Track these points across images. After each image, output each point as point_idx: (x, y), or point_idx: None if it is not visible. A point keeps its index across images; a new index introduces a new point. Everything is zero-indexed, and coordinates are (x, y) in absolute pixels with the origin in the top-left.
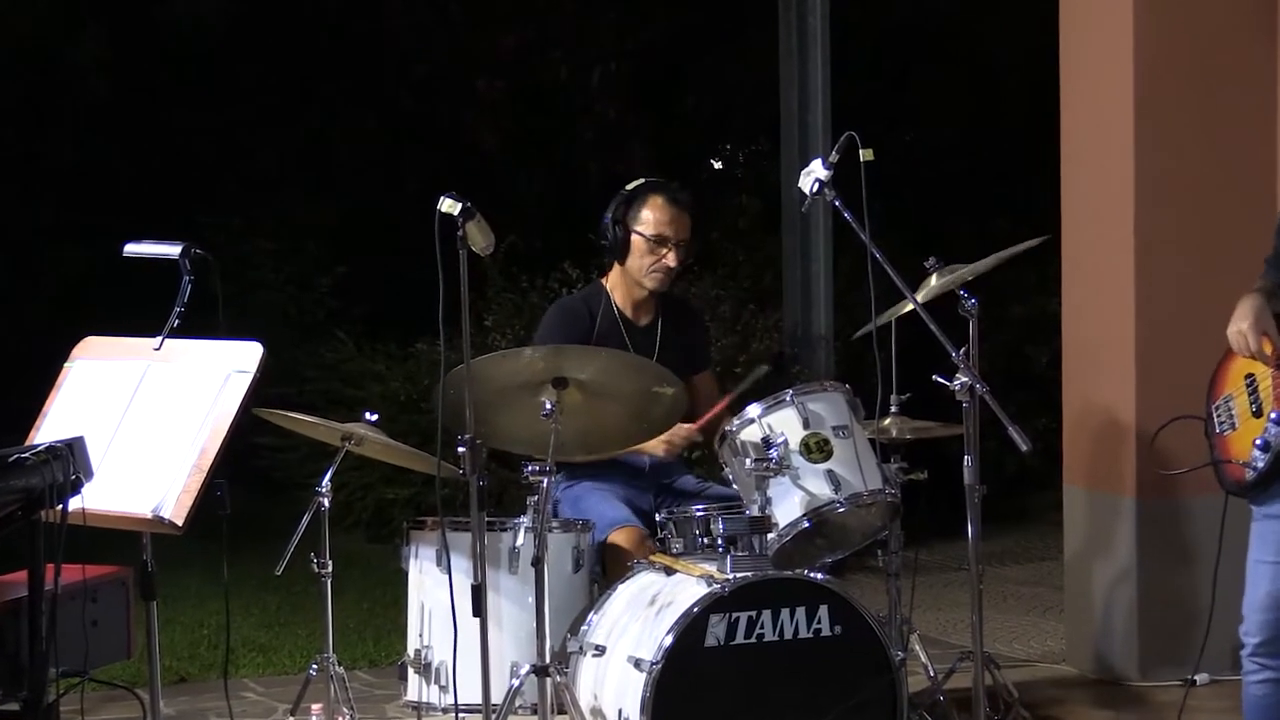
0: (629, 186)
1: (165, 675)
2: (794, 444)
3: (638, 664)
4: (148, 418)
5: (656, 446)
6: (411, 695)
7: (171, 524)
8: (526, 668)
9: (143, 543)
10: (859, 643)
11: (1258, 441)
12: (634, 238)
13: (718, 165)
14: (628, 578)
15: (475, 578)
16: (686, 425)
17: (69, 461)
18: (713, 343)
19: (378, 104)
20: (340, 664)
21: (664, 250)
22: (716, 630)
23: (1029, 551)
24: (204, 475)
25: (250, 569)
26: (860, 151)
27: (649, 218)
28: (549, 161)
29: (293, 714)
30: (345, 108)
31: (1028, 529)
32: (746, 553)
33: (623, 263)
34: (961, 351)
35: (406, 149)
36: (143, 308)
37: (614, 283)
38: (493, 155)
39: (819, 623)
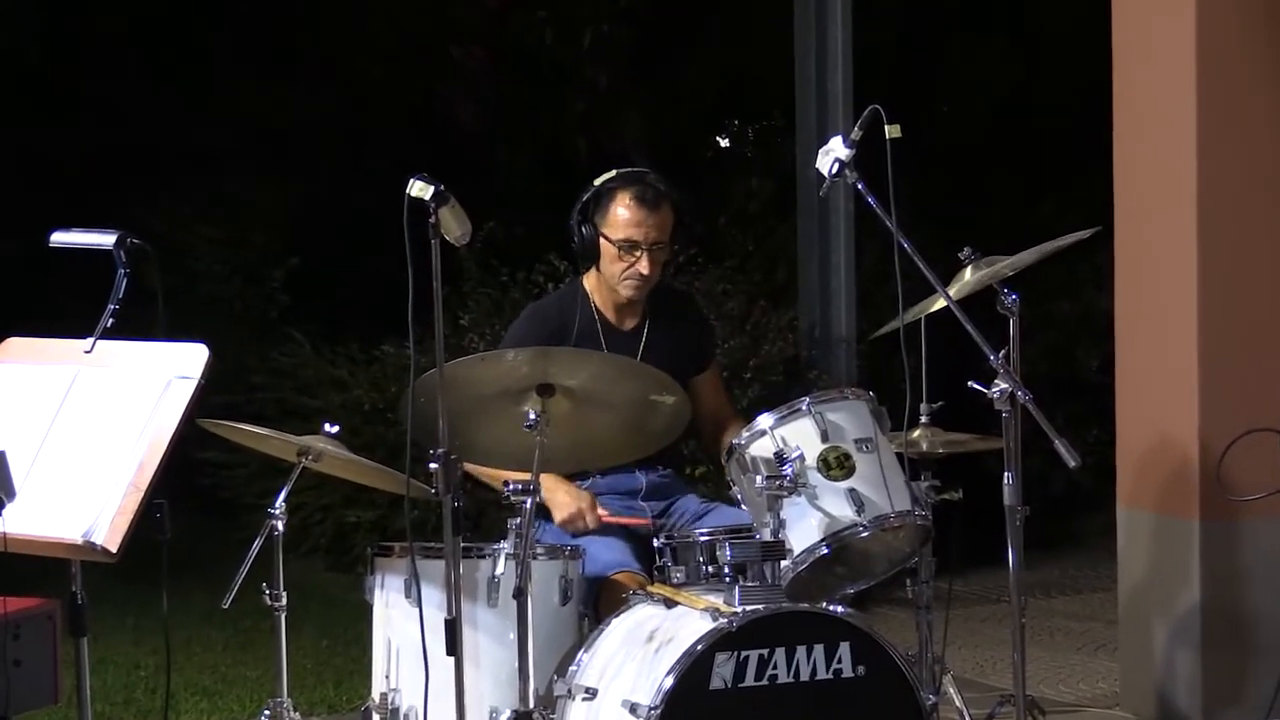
0: (596, 181)
1: None
2: (811, 459)
3: (634, 709)
4: (77, 430)
5: (559, 509)
6: None
7: (104, 550)
8: (508, 713)
9: (72, 572)
10: (885, 685)
11: None
12: (602, 241)
13: (724, 143)
14: (623, 611)
15: (449, 611)
16: (599, 515)
17: None
18: (717, 339)
19: (339, 73)
20: (296, 709)
21: (634, 256)
22: (723, 671)
23: (1078, 581)
24: (141, 495)
25: (194, 601)
26: (886, 127)
27: (615, 219)
28: (533, 138)
29: None
30: (302, 77)
31: (1077, 556)
32: (757, 583)
33: (596, 267)
34: (1001, 354)
35: (371, 124)
36: (72, 305)
37: (594, 283)
38: (469, 131)
39: (839, 662)
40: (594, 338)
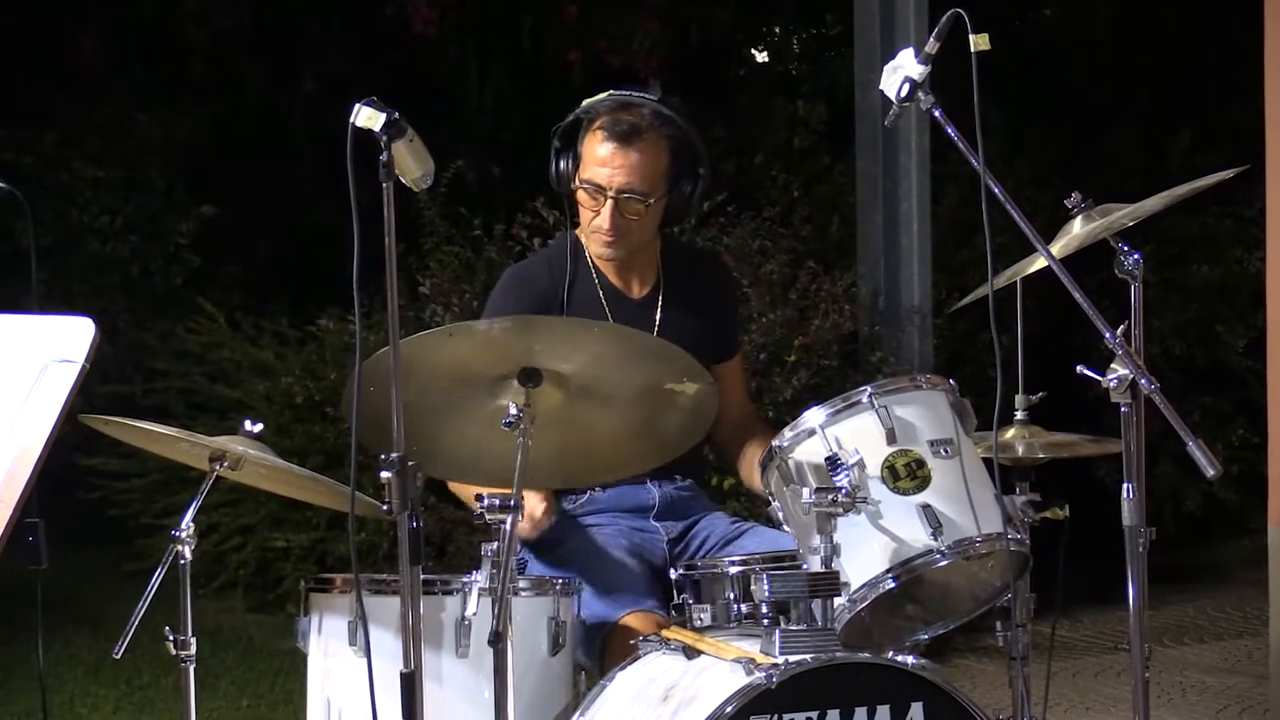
0: (585, 103)
1: None
2: (873, 467)
3: None
4: None
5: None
6: None
7: None
8: None
9: None
10: None
11: None
12: (577, 180)
13: (762, 56)
14: (631, 662)
15: (406, 663)
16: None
17: None
18: (746, 315)
19: None
20: None
21: (596, 203)
22: None
23: (1218, 624)
24: (10, 513)
25: (77, 649)
26: (971, 37)
27: (586, 153)
28: (513, 51)
29: None
30: None
31: (1216, 591)
32: (803, 626)
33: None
34: (1120, 331)
35: (303, 33)
36: None
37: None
38: (431, 42)
39: None
40: (594, 306)
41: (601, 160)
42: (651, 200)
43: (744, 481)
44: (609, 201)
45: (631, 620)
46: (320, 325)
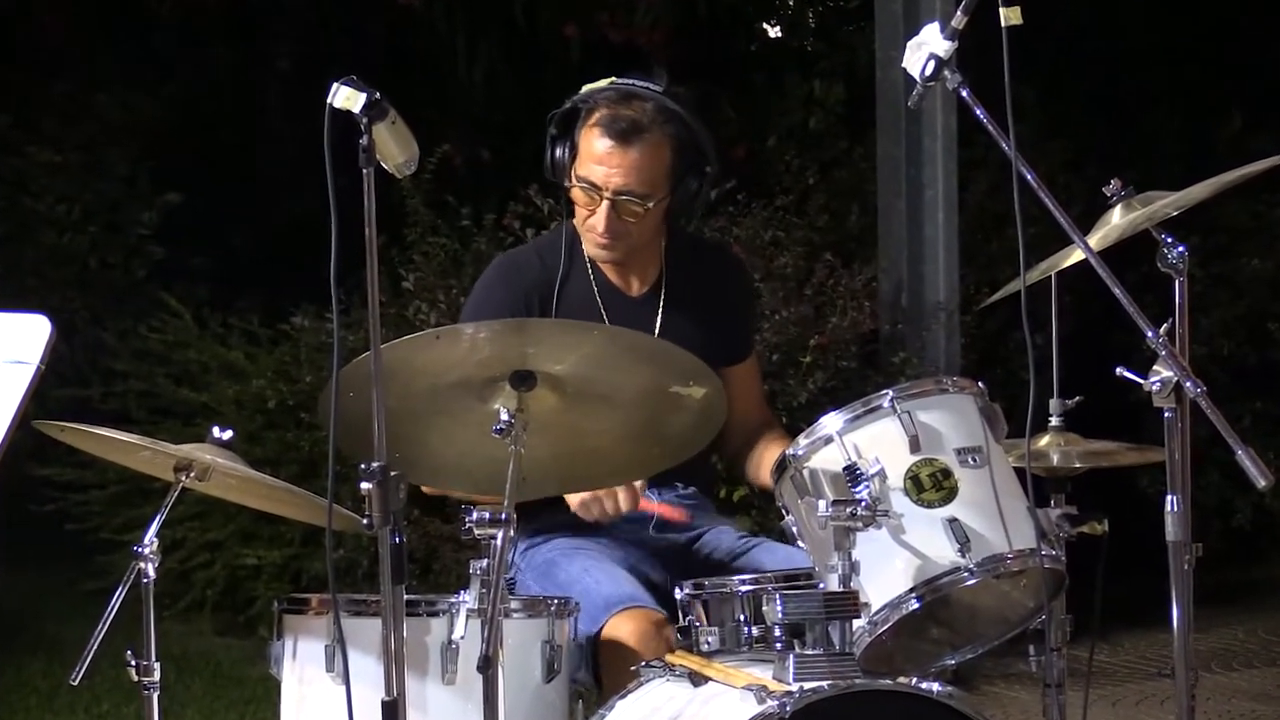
0: (585, 89)
1: None
2: (895, 477)
3: None
4: None
5: (573, 499)
6: None
7: None
8: None
9: None
10: None
11: None
12: (572, 174)
13: (775, 31)
14: (632, 690)
15: (388, 690)
16: (630, 490)
17: None
18: (761, 313)
19: None
20: None
21: (592, 201)
22: None
23: (1270, 649)
24: None
25: (31, 675)
26: (1002, 10)
27: (583, 147)
28: (504, 25)
29: None
30: None
31: (1268, 612)
32: (820, 650)
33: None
34: (1163, 329)
35: (279, 6)
36: None
37: None
38: (416, 15)
39: None
40: (588, 304)
41: (598, 158)
42: (651, 202)
43: (752, 480)
44: (605, 202)
45: (620, 626)
46: (295, 323)
